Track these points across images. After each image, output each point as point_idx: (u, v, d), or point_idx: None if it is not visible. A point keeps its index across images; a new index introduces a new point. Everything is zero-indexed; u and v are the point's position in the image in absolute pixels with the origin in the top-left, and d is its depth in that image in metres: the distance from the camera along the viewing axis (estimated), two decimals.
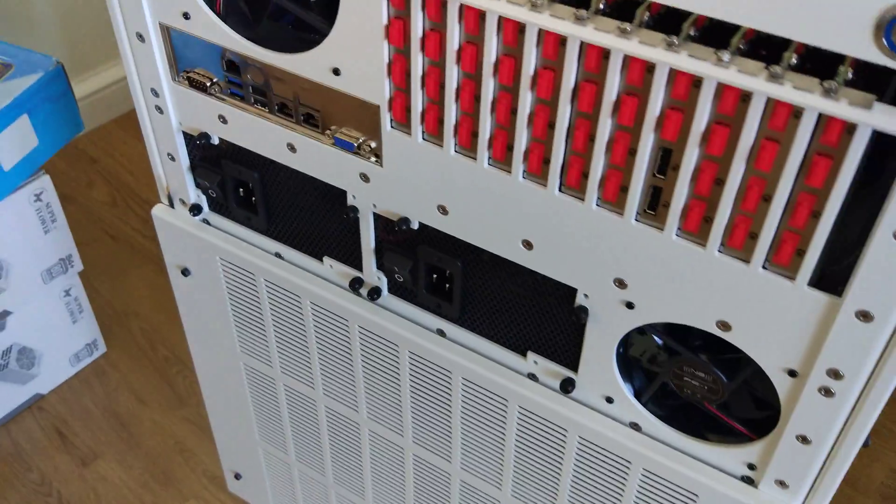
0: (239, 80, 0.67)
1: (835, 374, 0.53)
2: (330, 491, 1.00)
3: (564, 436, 0.69)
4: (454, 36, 0.53)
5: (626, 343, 0.64)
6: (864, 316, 0.49)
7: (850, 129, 0.44)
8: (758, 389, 0.60)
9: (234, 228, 0.81)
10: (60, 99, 1.21)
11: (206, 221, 0.82)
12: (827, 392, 0.54)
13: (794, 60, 0.43)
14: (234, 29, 0.64)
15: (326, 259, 0.76)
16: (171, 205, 0.83)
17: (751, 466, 0.62)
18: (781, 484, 0.61)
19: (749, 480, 0.63)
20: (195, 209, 0.81)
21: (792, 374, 0.55)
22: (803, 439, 0.57)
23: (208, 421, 1.39)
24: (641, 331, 0.63)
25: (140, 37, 0.69)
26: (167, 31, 0.68)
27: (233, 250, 0.80)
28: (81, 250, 1.39)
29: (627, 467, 0.67)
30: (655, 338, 0.62)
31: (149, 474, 1.36)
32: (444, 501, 0.87)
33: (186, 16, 0.65)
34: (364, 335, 0.76)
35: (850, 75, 0.42)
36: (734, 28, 0.44)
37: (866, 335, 0.50)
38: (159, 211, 0.83)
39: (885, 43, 0.39)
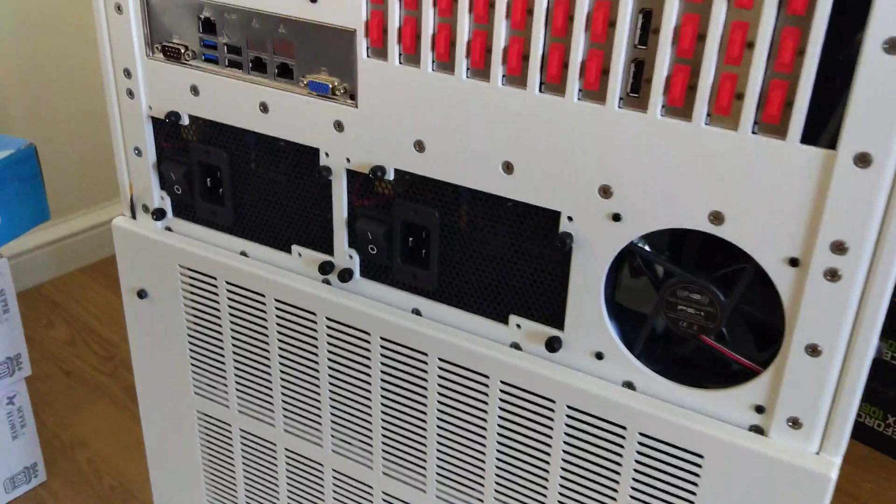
0: (214, 42, 0.69)
1: (839, 248, 0.50)
2: None
3: (552, 409, 0.64)
4: None
5: (613, 288, 0.61)
6: (863, 160, 0.47)
7: None
8: (757, 310, 0.57)
9: (198, 232, 0.78)
10: (29, 182, 1.21)
11: (168, 229, 0.80)
12: (833, 275, 0.51)
13: None
14: None
15: (295, 248, 0.73)
16: (134, 216, 0.81)
17: (759, 409, 0.57)
18: (794, 423, 0.56)
19: (759, 430, 0.58)
20: (158, 213, 0.79)
21: (794, 263, 0.52)
22: (812, 350, 0.53)
23: None
24: (630, 268, 0.60)
25: (118, 7, 0.71)
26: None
27: (194, 251, 0.77)
28: (33, 385, 1.33)
29: (623, 435, 0.61)
30: (642, 261, 0.59)
31: None
32: None
33: None
34: (332, 330, 0.72)
35: None
36: None
37: (868, 183, 0.48)
38: (120, 221, 0.81)
39: None
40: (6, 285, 1.21)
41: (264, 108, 0.68)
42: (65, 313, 1.90)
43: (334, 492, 0.80)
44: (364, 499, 0.78)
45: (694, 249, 0.58)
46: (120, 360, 1.70)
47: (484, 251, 0.64)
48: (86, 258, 2.05)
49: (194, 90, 0.71)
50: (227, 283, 0.76)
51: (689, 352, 0.61)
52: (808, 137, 0.49)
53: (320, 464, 0.80)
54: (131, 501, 1.40)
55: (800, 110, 0.49)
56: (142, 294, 0.83)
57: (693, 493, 0.60)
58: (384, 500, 0.77)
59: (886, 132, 0.46)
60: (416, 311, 0.69)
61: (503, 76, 0.57)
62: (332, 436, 0.77)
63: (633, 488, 0.62)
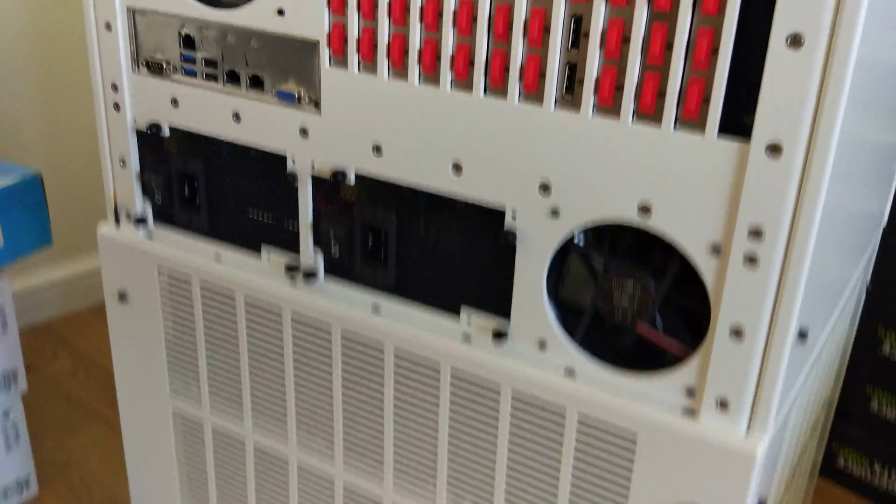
0: (193, 56, 0.70)
1: (756, 234, 0.51)
2: None
3: (498, 395, 0.64)
4: None
5: (556, 283, 0.62)
6: (774, 150, 0.49)
7: None
8: (685, 299, 0.57)
9: (177, 238, 0.79)
10: (34, 208, 1.22)
11: (149, 236, 0.81)
12: (751, 261, 0.52)
13: None
14: None
15: (264, 249, 0.74)
16: (118, 223, 0.82)
17: (689, 392, 0.57)
18: (723, 405, 0.56)
19: (690, 412, 0.58)
20: (140, 222, 0.80)
21: (715, 250, 0.53)
22: (736, 333, 0.54)
23: None
24: (569, 262, 0.61)
25: (108, 26, 0.73)
26: (132, 17, 0.72)
27: (171, 255, 0.78)
28: (32, 410, 1.32)
29: (562, 416, 0.61)
30: (581, 255, 0.60)
31: None
32: None
33: None
34: (297, 327, 0.72)
35: None
36: None
37: (780, 173, 0.49)
38: (105, 229, 0.82)
39: None
40: (6, 302, 1.21)
41: (237, 117, 0.70)
42: (70, 347, 1.89)
43: (299, 486, 0.79)
44: (325, 491, 0.78)
45: (628, 245, 0.58)
46: None
47: (437, 249, 0.65)
48: (95, 296, 2.05)
49: (174, 102, 0.73)
50: (201, 283, 0.77)
51: (627, 341, 0.61)
52: (733, 131, 0.50)
53: (285, 459, 0.79)
54: None
55: (716, 105, 0.50)
56: (123, 297, 0.83)
57: (629, 472, 0.60)
58: (345, 493, 0.76)
59: (794, 123, 0.48)
60: (376, 308, 0.69)
61: (451, 81, 0.58)
62: (297, 430, 0.77)
63: (574, 468, 0.62)
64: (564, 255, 0.61)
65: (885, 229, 0.98)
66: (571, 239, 0.59)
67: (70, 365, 1.82)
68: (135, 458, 0.92)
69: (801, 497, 1.00)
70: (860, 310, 1.01)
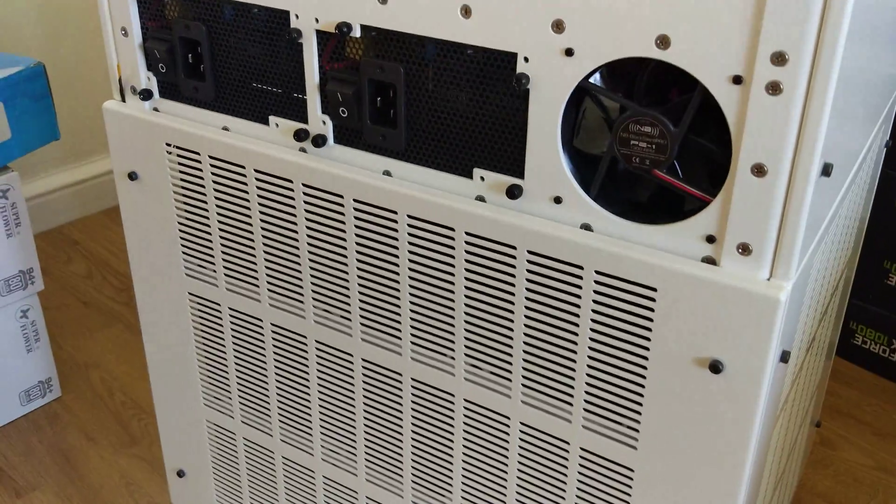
0: None
1: (779, 59, 0.49)
2: (277, 457, 0.90)
3: (514, 255, 0.63)
4: None
5: (571, 134, 0.60)
6: None
7: None
8: (704, 146, 0.55)
9: (183, 111, 0.78)
10: (39, 100, 1.21)
11: (155, 110, 0.80)
12: (775, 88, 0.50)
13: None
14: None
15: (272, 119, 0.73)
16: (123, 99, 0.81)
17: (710, 240, 0.56)
18: (744, 250, 0.55)
19: (711, 261, 0.57)
20: (145, 94, 0.79)
21: (737, 80, 0.51)
22: (758, 169, 0.52)
23: (160, 459, 1.28)
24: (584, 110, 0.59)
25: None
26: None
27: (179, 128, 0.77)
28: (50, 313, 1.33)
29: (580, 275, 0.60)
30: (596, 101, 0.58)
31: None
32: (394, 419, 0.77)
33: None
34: (309, 196, 0.72)
35: None
36: None
37: None
38: (111, 104, 0.81)
39: None
40: (17, 199, 1.21)
41: None
42: (84, 251, 1.91)
43: (318, 363, 0.80)
44: (345, 366, 0.78)
45: (645, 88, 0.57)
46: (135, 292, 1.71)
47: (447, 106, 0.63)
48: (107, 201, 2.06)
49: None
50: (210, 157, 0.76)
51: (645, 191, 0.60)
52: None
53: (304, 335, 0.80)
54: (141, 415, 1.40)
55: None
56: (132, 176, 0.83)
57: (649, 328, 0.59)
58: (363, 367, 0.77)
59: None
60: (387, 173, 0.68)
61: None
62: (314, 306, 0.77)
63: (592, 328, 0.61)
64: (577, 105, 0.59)
65: None
66: (585, 86, 0.57)
67: (84, 268, 1.84)
68: (154, 347, 0.93)
69: (817, 376, 0.99)
70: (879, 171, 0.99)
